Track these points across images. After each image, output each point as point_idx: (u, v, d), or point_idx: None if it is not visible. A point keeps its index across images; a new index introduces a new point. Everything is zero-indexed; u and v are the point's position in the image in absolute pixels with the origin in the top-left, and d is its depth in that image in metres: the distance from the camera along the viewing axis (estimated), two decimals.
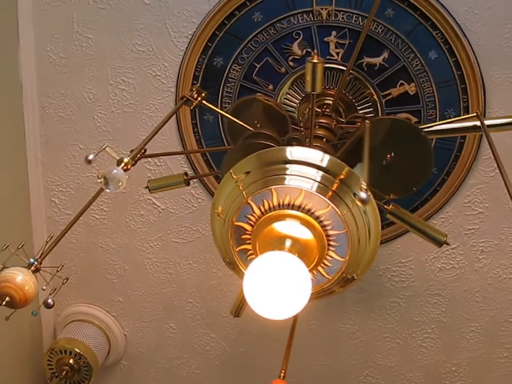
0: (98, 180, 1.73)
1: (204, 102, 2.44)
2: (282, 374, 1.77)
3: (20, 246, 1.88)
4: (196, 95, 2.40)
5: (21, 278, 1.75)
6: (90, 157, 1.71)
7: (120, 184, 1.73)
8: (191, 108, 2.41)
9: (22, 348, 3.58)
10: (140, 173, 3.19)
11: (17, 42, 3.04)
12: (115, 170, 1.73)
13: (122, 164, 1.78)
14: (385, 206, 2.07)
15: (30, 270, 1.80)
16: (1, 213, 3.17)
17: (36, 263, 1.81)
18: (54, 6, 2.99)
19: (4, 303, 1.74)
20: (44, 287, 1.82)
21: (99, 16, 2.97)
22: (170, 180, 2.42)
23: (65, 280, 1.95)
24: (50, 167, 3.33)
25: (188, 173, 2.40)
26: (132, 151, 2.49)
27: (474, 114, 2.43)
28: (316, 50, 2.51)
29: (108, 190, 1.74)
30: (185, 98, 2.39)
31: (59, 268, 1.91)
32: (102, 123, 3.18)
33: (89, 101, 3.15)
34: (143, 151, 2.48)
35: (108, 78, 3.09)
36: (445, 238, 2.05)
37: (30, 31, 3.04)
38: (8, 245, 1.89)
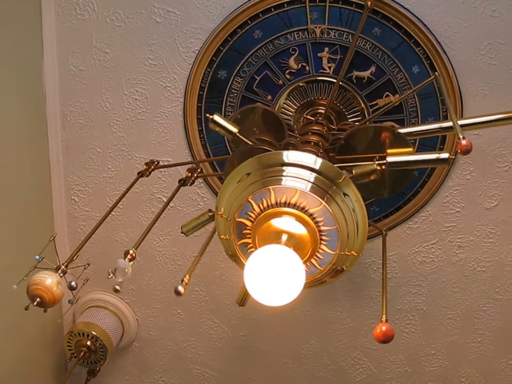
0: (109, 277, 1.76)
1: (199, 176, 2.47)
2: (383, 318, 1.74)
3: (40, 259, 1.89)
4: (189, 175, 2.42)
5: (49, 281, 1.77)
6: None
7: (126, 271, 1.76)
8: (189, 185, 2.44)
9: (45, 331, 3.57)
10: (150, 175, 3.18)
11: (41, 56, 3.04)
12: (120, 262, 1.77)
13: (128, 256, 1.81)
14: (380, 163, 2.04)
15: (57, 273, 1.81)
16: (27, 210, 3.17)
17: (62, 266, 1.83)
18: (75, 24, 2.99)
19: (35, 303, 1.76)
20: (61, 275, 1.82)
21: (115, 33, 2.97)
22: (198, 221, 2.42)
23: (86, 265, 1.95)
24: (70, 169, 3.32)
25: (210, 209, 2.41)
26: (146, 163, 2.51)
27: (433, 76, 2.43)
28: (208, 115, 2.52)
29: (119, 280, 1.77)
30: (182, 182, 2.42)
31: (75, 258, 1.92)
32: (117, 129, 3.17)
33: (106, 109, 3.14)
34: (156, 162, 2.51)
35: (123, 89, 3.08)
36: (448, 155, 1.94)
37: (53, 46, 3.04)
38: (42, 258, 1.90)
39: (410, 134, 2.26)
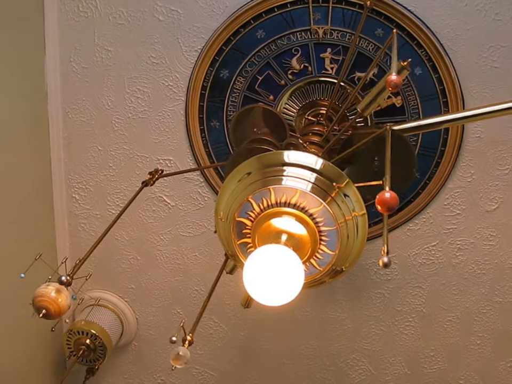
0: (172, 369, 1.83)
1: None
2: (386, 186, 1.66)
3: (47, 283, 1.89)
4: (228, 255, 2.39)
5: (54, 292, 1.77)
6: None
7: (182, 354, 1.82)
8: (232, 273, 2.41)
9: (44, 329, 3.57)
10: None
11: (43, 53, 3.04)
12: (175, 349, 1.84)
13: (186, 341, 1.94)
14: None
15: (63, 285, 1.82)
16: (27, 208, 3.17)
17: (68, 277, 1.83)
18: (77, 21, 2.99)
19: (41, 315, 1.77)
20: (50, 277, 1.83)
21: (118, 31, 2.98)
22: None
23: (78, 261, 1.96)
24: (71, 166, 3.33)
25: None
26: (150, 172, 2.52)
27: (393, 34, 2.43)
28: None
29: (179, 367, 1.85)
30: (228, 273, 2.38)
31: (64, 260, 1.92)
32: (119, 127, 3.18)
33: (108, 107, 3.15)
34: (160, 171, 2.51)
35: (125, 87, 3.09)
36: (385, 84, 1.83)
37: (55, 43, 3.04)
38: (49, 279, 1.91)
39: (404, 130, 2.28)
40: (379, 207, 1.61)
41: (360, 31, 2.63)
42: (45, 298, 1.78)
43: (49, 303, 1.78)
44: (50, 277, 1.86)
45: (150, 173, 2.51)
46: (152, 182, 2.48)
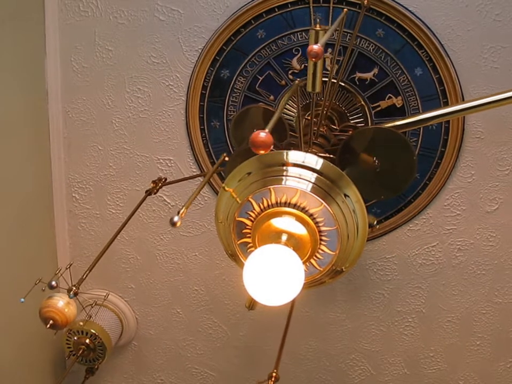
0: None
1: None
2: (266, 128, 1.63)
3: (44, 287, 1.89)
4: None
5: (61, 303, 1.79)
6: None
7: None
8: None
9: (44, 329, 3.57)
10: (152, 173, 3.20)
11: (44, 53, 3.05)
12: None
13: (272, 378, 1.90)
14: None
15: (69, 295, 1.83)
16: (27, 207, 3.17)
17: (74, 288, 1.84)
18: (78, 21, 3.00)
19: (48, 325, 1.79)
20: (44, 288, 1.84)
21: (118, 30, 2.98)
22: None
23: (69, 266, 1.96)
24: (71, 166, 3.33)
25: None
26: (153, 181, 2.52)
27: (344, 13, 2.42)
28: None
29: None
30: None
31: (57, 271, 1.92)
32: (119, 127, 3.18)
33: (108, 107, 3.15)
34: (163, 179, 2.52)
35: (125, 87, 3.09)
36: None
37: (56, 42, 3.05)
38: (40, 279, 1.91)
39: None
40: (254, 148, 1.59)
41: (358, 30, 2.64)
42: (51, 309, 1.79)
43: (55, 313, 1.79)
44: (43, 289, 1.87)
45: (154, 182, 2.52)
46: (155, 190, 2.48)
